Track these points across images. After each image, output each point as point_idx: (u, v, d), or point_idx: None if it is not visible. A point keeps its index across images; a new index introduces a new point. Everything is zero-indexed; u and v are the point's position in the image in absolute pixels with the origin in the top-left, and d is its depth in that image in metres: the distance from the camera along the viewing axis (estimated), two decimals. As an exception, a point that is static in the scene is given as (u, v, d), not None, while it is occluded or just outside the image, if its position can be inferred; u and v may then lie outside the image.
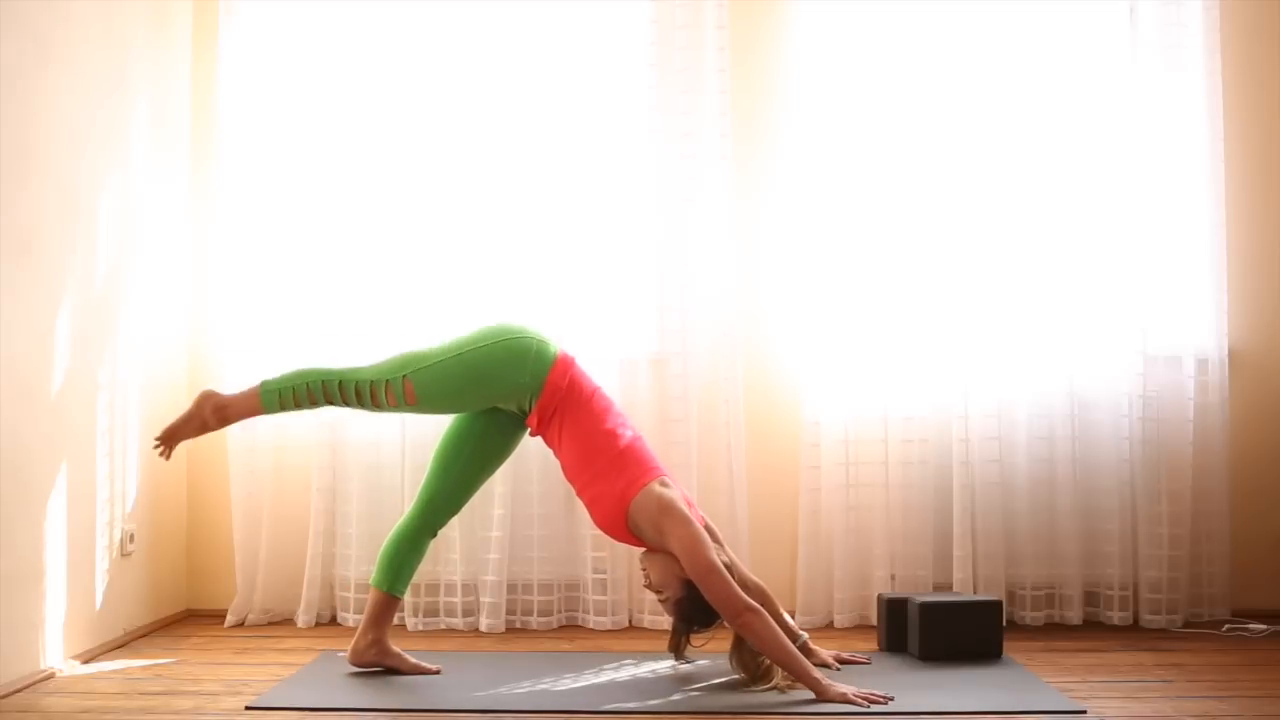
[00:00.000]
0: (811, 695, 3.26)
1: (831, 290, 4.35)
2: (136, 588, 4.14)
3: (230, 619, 4.33)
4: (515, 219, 4.35)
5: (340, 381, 3.55)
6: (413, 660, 3.63)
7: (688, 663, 3.66)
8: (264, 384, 3.56)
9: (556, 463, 4.27)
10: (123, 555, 4.03)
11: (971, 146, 4.34)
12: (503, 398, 3.58)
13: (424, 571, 4.29)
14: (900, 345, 4.35)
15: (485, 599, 4.26)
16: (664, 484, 3.49)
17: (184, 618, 4.44)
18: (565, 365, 3.58)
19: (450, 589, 4.29)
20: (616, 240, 4.41)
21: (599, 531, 4.22)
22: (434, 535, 3.73)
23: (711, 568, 3.34)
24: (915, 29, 4.37)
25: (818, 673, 3.31)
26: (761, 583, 3.63)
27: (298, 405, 3.57)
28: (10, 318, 3.41)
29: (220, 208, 4.45)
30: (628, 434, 3.57)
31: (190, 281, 4.54)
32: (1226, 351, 4.36)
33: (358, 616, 4.27)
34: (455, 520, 4.22)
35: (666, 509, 3.42)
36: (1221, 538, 4.33)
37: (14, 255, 3.43)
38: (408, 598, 4.25)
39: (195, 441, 4.47)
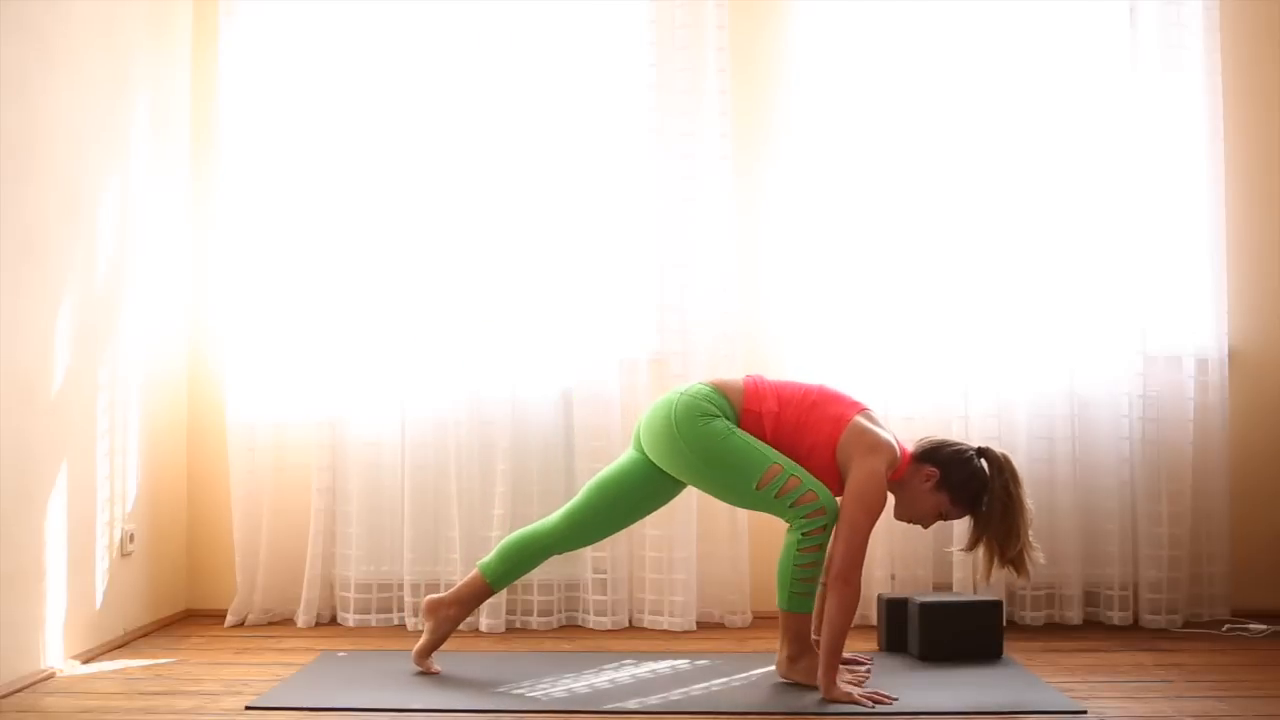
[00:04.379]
0: (816, 695, 3.26)
1: (831, 290, 4.35)
2: (136, 588, 4.14)
3: (230, 619, 4.33)
4: (515, 219, 4.35)
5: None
6: (430, 661, 3.62)
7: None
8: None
9: (556, 463, 4.31)
10: (123, 555, 4.04)
11: (971, 146, 4.34)
12: (735, 429, 3.43)
13: (424, 572, 4.31)
14: (900, 345, 4.35)
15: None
16: (870, 419, 3.44)
17: (184, 618, 4.44)
18: (755, 387, 3.50)
19: (451, 589, 4.27)
20: (616, 240, 4.41)
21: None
22: (553, 555, 3.65)
23: (862, 528, 3.28)
24: (915, 29, 4.37)
25: (834, 673, 3.30)
26: None
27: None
28: (11, 318, 3.41)
29: (220, 208, 4.45)
30: (815, 388, 3.52)
31: (190, 281, 4.54)
32: (1226, 351, 4.36)
33: (358, 616, 4.28)
34: (455, 520, 4.25)
35: (874, 447, 3.34)
36: (1221, 537, 4.33)
37: (15, 255, 3.43)
38: (408, 598, 4.26)
39: (195, 441, 4.53)
